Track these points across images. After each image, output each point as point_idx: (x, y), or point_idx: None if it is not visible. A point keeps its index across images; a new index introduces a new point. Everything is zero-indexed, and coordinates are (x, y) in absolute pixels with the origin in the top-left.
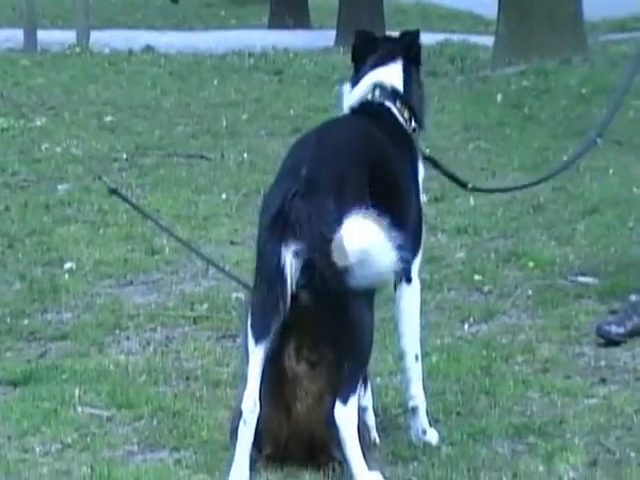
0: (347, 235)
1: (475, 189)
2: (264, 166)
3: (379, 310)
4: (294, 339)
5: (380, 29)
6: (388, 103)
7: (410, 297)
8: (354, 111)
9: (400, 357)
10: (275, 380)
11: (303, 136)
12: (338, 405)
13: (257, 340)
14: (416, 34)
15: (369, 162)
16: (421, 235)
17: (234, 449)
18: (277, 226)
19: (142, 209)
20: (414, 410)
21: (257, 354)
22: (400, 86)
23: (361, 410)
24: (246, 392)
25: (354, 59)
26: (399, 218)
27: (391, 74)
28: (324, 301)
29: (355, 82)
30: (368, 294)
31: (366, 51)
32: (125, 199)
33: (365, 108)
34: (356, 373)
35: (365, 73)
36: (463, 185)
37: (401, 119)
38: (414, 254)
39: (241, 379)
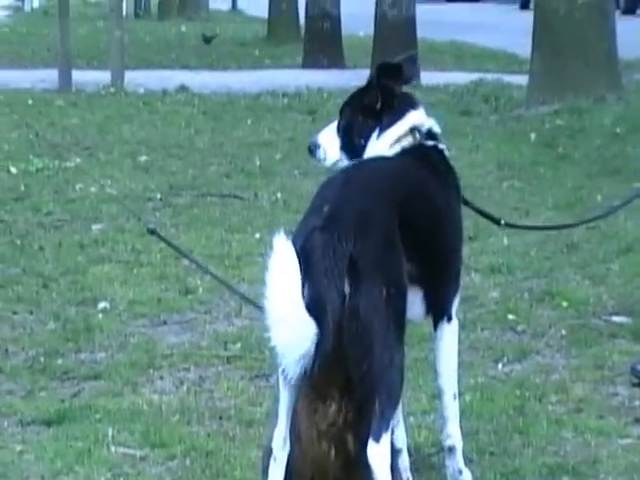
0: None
1: (508, 225)
2: (297, 205)
3: (413, 350)
4: (325, 379)
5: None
6: (433, 143)
7: (449, 336)
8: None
9: (438, 396)
10: (307, 416)
11: (333, 175)
12: (371, 443)
13: (287, 379)
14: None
15: (399, 200)
16: (459, 274)
17: None
18: (301, 259)
19: (179, 249)
20: (451, 449)
21: (287, 393)
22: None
23: (395, 452)
24: (276, 430)
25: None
26: (435, 257)
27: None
28: (350, 335)
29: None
30: (397, 332)
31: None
32: (163, 239)
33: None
34: (388, 411)
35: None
36: (496, 222)
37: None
38: (454, 293)
39: (273, 417)
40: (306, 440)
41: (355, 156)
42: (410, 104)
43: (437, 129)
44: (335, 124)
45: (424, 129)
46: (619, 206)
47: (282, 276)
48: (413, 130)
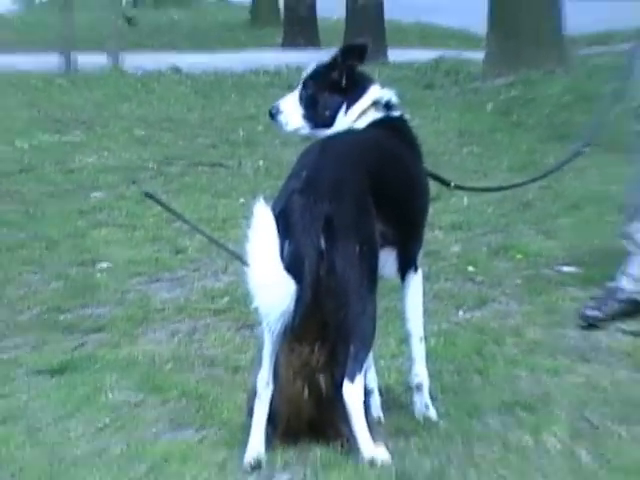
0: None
1: (457, 187)
2: (278, 172)
3: (383, 300)
4: (304, 326)
5: (382, 47)
6: (399, 114)
7: (415, 284)
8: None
9: (405, 340)
10: (288, 360)
11: (311, 144)
12: (346, 383)
13: (270, 331)
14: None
15: (370, 167)
16: (424, 230)
17: (251, 425)
18: (281, 219)
19: (173, 210)
20: (418, 387)
21: (270, 341)
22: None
23: (367, 392)
24: (260, 371)
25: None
26: (405, 217)
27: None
28: (327, 287)
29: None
30: (370, 285)
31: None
32: (158, 201)
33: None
34: (362, 355)
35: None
36: (447, 184)
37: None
38: (419, 248)
39: (257, 363)
40: (283, 380)
41: (320, 126)
42: (369, 80)
43: (395, 100)
44: (297, 93)
45: (384, 101)
46: (563, 163)
47: (262, 242)
48: (375, 103)
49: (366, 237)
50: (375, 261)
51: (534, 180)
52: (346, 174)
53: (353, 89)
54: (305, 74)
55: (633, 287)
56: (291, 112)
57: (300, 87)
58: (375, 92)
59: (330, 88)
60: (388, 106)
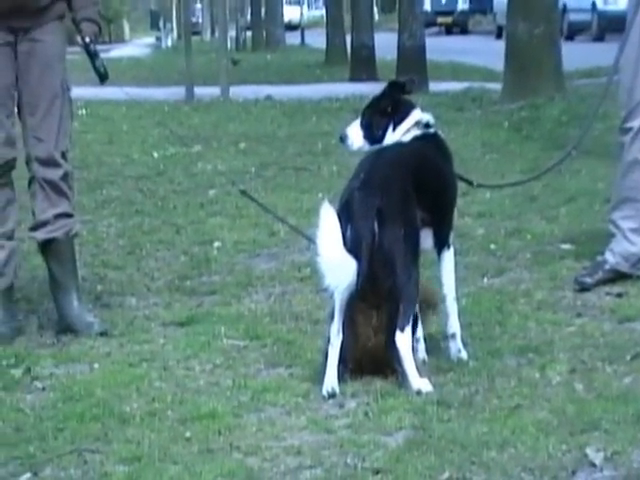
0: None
1: (480, 185)
2: (347, 174)
3: (426, 270)
4: (365, 291)
5: (424, 80)
6: (434, 130)
7: (449, 258)
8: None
9: (442, 299)
10: (354, 316)
11: (368, 153)
12: (397, 333)
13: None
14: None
15: (413, 170)
16: (453, 217)
17: (326, 365)
18: (344, 211)
19: (262, 204)
20: (453, 336)
21: (339, 302)
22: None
23: (415, 339)
24: (332, 324)
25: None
26: (439, 206)
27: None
28: (379, 260)
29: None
30: (412, 258)
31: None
32: (250, 197)
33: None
34: (409, 311)
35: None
36: (470, 183)
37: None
38: (450, 229)
39: (330, 318)
40: (351, 331)
41: (375, 143)
42: (411, 105)
43: (432, 120)
44: (358, 121)
45: (424, 121)
46: (557, 163)
47: (328, 233)
48: (417, 123)
49: (408, 222)
50: (417, 240)
51: (536, 177)
52: (393, 175)
53: (399, 113)
54: (365, 106)
55: (616, 260)
56: (354, 135)
57: (360, 116)
58: (416, 115)
59: (381, 114)
60: (427, 125)
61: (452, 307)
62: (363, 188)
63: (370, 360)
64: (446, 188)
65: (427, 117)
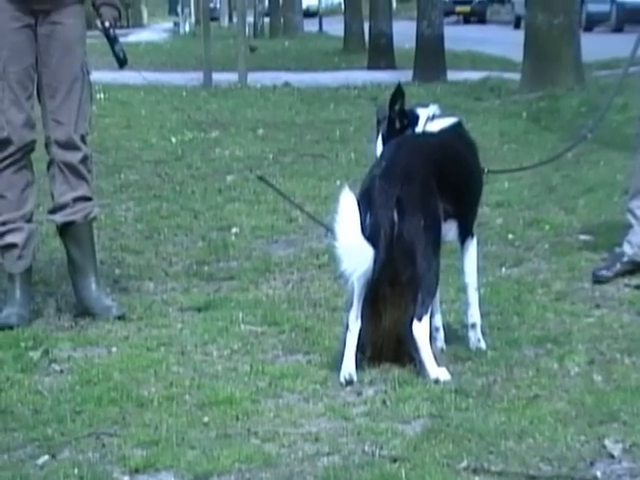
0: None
1: (491, 171)
2: (365, 162)
3: (446, 259)
4: (383, 279)
5: (442, 70)
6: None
7: (472, 246)
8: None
9: (463, 289)
10: (372, 304)
11: (390, 143)
12: (415, 322)
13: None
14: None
15: (435, 158)
16: (478, 207)
17: (344, 352)
18: (365, 197)
19: (278, 189)
20: (473, 325)
21: (358, 289)
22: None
23: (434, 328)
24: (351, 311)
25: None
26: (464, 197)
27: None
28: (399, 250)
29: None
30: (433, 248)
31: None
32: (267, 182)
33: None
34: (427, 301)
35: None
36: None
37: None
38: (474, 219)
39: (349, 305)
40: (369, 319)
41: None
42: (415, 110)
43: (437, 111)
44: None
45: (431, 115)
46: (570, 146)
47: (346, 220)
48: (428, 119)
49: (428, 211)
50: (437, 229)
51: (548, 162)
52: (414, 164)
53: (410, 123)
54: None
55: (634, 250)
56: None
57: (379, 138)
58: (424, 114)
59: (395, 132)
60: (433, 117)
61: (473, 297)
62: (384, 176)
63: (388, 348)
64: (470, 179)
65: (432, 109)
